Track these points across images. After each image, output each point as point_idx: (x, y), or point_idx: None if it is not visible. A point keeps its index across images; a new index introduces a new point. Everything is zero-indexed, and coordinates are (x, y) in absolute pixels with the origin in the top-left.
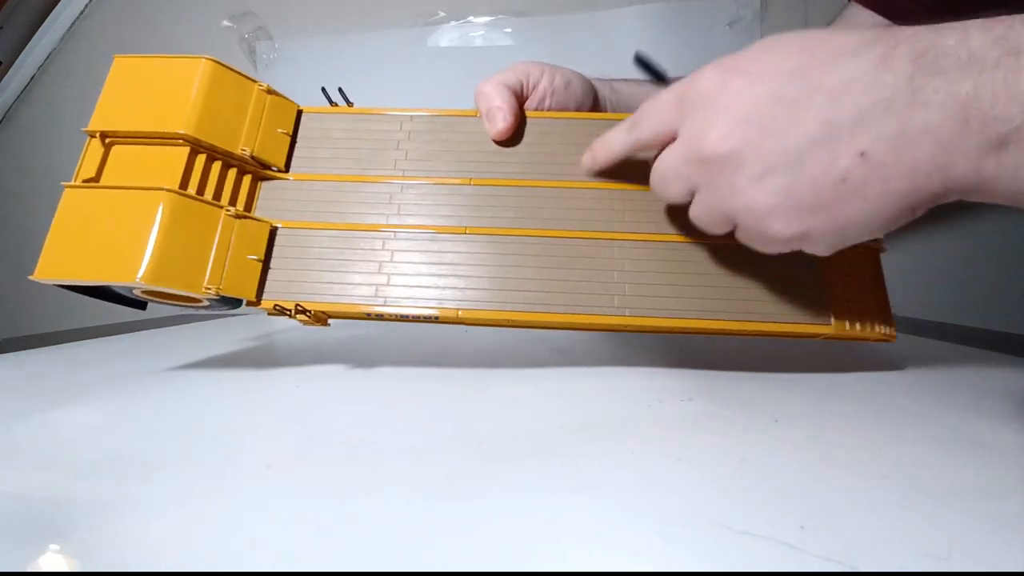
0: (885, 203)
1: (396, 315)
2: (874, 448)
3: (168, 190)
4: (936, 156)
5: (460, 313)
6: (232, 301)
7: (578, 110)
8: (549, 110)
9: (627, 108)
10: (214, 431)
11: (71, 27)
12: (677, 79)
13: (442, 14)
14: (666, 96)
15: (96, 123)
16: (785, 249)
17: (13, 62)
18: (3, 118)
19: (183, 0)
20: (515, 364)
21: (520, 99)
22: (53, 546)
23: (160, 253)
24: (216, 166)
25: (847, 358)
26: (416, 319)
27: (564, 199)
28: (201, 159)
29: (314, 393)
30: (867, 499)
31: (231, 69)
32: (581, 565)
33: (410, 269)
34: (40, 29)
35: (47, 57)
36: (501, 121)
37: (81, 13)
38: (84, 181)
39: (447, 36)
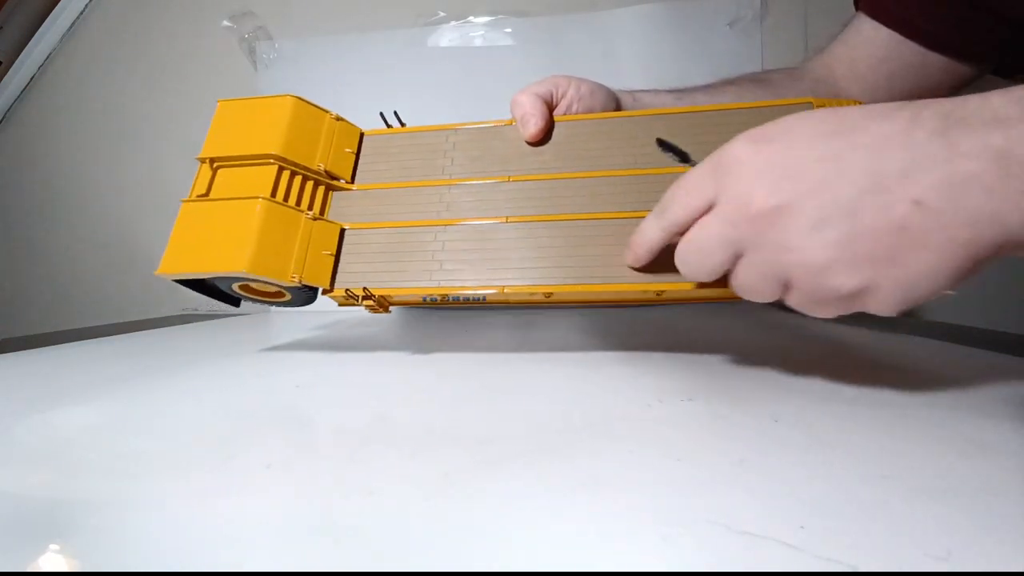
0: (949, 253)
1: (448, 297)
2: (874, 448)
3: (263, 198)
4: (988, 203)
5: (505, 290)
6: (309, 294)
7: None
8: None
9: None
10: (214, 431)
11: (71, 27)
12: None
13: (442, 14)
14: (695, 172)
15: (205, 152)
16: (845, 310)
17: (13, 62)
18: (3, 118)
19: (183, 0)
20: (515, 364)
21: (550, 106)
22: (53, 546)
23: (257, 248)
24: (298, 180)
25: (846, 358)
26: (466, 301)
27: (590, 187)
28: (287, 174)
29: (313, 393)
30: (867, 499)
31: (309, 103)
32: (581, 565)
33: (459, 256)
34: (40, 29)
35: (47, 57)
36: (533, 126)
37: (81, 13)
38: (197, 196)
39: (447, 36)
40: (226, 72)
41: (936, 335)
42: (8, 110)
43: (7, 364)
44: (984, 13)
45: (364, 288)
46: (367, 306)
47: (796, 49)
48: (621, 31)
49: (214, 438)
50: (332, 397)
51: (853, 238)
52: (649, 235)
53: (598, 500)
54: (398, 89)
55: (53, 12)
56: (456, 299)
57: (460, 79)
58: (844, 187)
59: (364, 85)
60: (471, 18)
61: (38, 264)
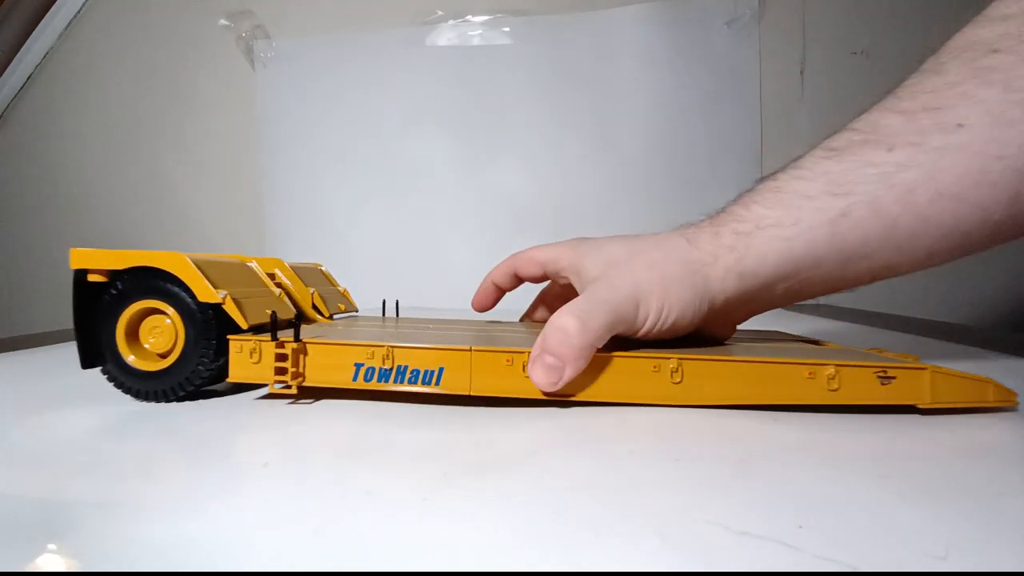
0: None
1: (394, 368)
2: (874, 448)
3: None
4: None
5: (472, 349)
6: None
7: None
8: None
9: None
10: (212, 431)
11: (68, 26)
12: None
13: (440, 13)
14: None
15: None
16: None
17: (10, 61)
18: (0, 117)
19: None
20: None
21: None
22: (51, 546)
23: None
24: None
25: None
26: (413, 386)
27: None
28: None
29: (311, 393)
30: (867, 499)
31: None
32: (580, 565)
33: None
34: (37, 28)
35: (44, 56)
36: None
37: (78, 12)
38: None
39: (445, 35)
40: (223, 71)
41: (937, 335)
42: (5, 110)
43: (6, 364)
44: None
45: (274, 337)
46: (277, 377)
47: (794, 48)
48: (619, 30)
49: (212, 438)
50: (329, 396)
51: None
52: None
53: (597, 501)
54: (396, 88)
55: (50, 11)
56: (402, 374)
57: (458, 78)
58: None
59: (362, 84)
60: (469, 17)
61: (35, 263)
